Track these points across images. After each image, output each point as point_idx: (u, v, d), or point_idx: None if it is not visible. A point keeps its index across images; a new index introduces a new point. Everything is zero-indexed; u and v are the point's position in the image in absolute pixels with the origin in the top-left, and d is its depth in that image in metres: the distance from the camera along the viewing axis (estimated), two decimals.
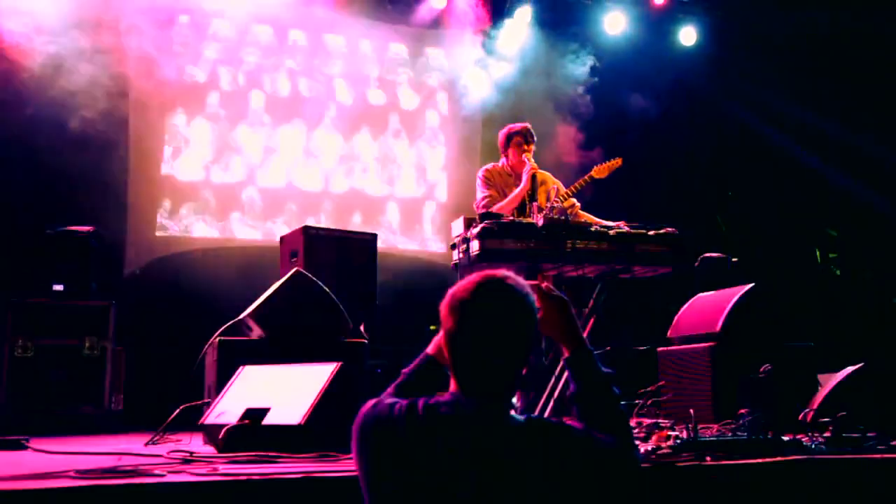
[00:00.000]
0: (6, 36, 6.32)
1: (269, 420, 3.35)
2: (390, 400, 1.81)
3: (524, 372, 1.79)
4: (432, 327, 7.34)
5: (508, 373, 1.76)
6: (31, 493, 2.25)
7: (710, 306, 4.98)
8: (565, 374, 4.31)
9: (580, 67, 8.35)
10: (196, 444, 3.74)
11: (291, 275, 4.36)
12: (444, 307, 1.78)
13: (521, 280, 1.80)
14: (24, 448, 3.63)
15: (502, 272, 1.80)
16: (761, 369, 3.95)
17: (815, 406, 3.84)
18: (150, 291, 6.83)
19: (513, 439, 1.68)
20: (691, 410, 3.30)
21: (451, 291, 1.78)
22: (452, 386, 1.77)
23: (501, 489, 1.63)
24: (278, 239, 5.82)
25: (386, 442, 1.72)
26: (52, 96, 6.39)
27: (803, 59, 8.43)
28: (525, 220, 4.29)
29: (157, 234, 7.24)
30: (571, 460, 1.68)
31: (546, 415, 4.14)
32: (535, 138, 5.17)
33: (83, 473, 2.47)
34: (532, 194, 4.91)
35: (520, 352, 1.76)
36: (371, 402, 1.85)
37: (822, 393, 3.96)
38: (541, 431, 1.73)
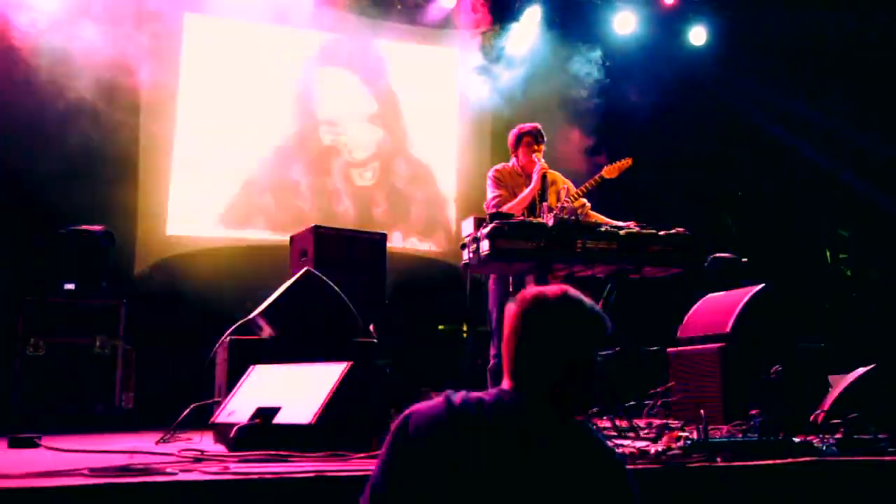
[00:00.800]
0: (19, 36, 6.35)
1: (279, 419, 3.36)
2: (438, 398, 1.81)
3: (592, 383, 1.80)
4: (441, 327, 7.35)
5: (562, 376, 1.76)
6: (45, 490, 2.26)
7: (721, 307, 4.98)
8: None
9: (589, 67, 8.34)
10: (206, 442, 3.75)
11: (302, 274, 4.37)
12: (512, 309, 1.82)
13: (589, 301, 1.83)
14: (37, 446, 3.65)
15: (568, 288, 1.84)
16: (772, 370, 3.95)
17: (826, 407, 3.83)
18: (160, 290, 6.85)
19: (555, 440, 1.68)
20: (702, 411, 3.29)
21: (520, 296, 1.81)
22: (506, 384, 1.79)
23: (534, 484, 1.63)
24: (288, 238, 5.83)
25: (438, 434, 1.71)
26: (64, 96, 6.43)
27: (813, 58, 8.39)
28: (535, 220, 4.28)
29: (167, 233, 7.27)
30: (597, 482, 1.67)
31: None
32: (545, 138, 5.17)
33: (96, 472, 2.49)
34: (542, 194, 4.91)
35: (576, 361, 1.78)
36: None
37: (834, 394, 3.94)
38: (584, 442, 1.73)
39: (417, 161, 8.27)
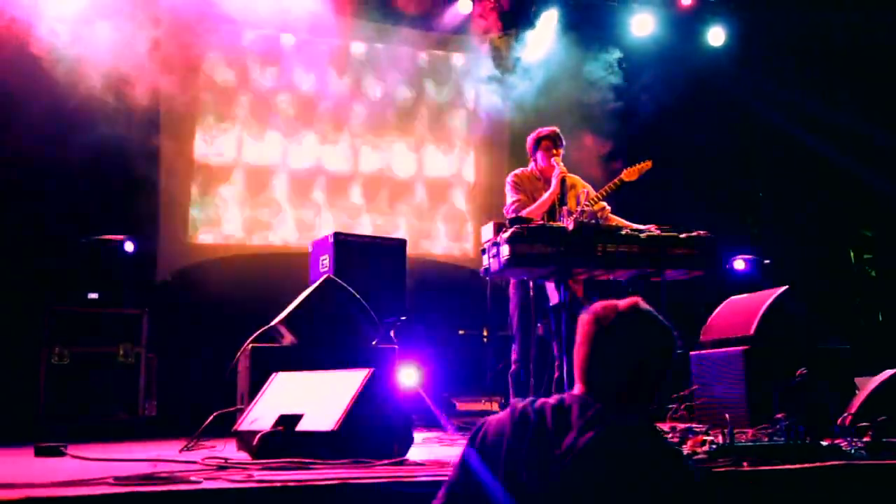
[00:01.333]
0: (40, 45, 6.42)
1: (302, 426, 3.36)
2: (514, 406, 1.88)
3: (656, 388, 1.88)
4: (461, 332, 7.34)
5: (633, 381, 1.85)
6: (72, 499, 2.27)
7: (744, 309, 4.93)
8: None
9: (607, 70, 8.30)
10: (229, 450, 3.76)
11: (322, 281, 4.38)
12: (584, 319, 1.90)
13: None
14: (63, 454, 3.67)
15: (639, 299, 1.92)
16: (797, 373, 3.90)
17: (853, 410, 3.77)
18: (182, 298, 6.90)
19: (628, 442, 1.74)
20: (727, 415, 3.26)
21: (592, 308, 1.90)
22: (577, 388, 1.87)
23: (607, 488, 1.68)
24: (308, 245, 5.86)
25: (518, 440, 1.78)
26: (85, 105, 6.49)
27: (832, 57, 8.31)
28: (555, 225, 4.27)
29: (189, 241, 7.32)
30: (669, 484, 1.72)
31: None
32: (564, 142, 5.14)
33: (121, 480, 2.50)
34: (562, 198, 4.89)
35: (646, 371, 1.86)
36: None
37: (861, 397, 3.88)
38: (656, 443, 1.81)
39: (435, 166, 8.26)
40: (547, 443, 1.72)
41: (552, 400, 1.81)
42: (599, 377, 1.84)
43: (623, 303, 1.88)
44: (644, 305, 1.89)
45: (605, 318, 1.86)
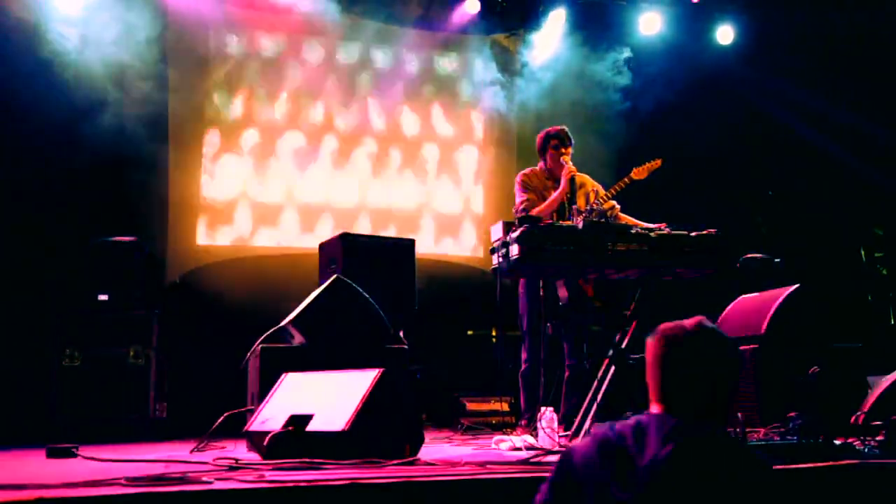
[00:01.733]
0: (52, 49, 6.45)
1: (312, 426, 3.37)
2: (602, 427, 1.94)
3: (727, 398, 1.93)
4: (470, 332, 7.33)
5: (710, 399, 1.90)
6: (85, 500, 2.28)
7: (755, 308, 4.91)
8: (607, 379, 4.28)
9: (615, 69, 8.29)
10: (240, 451, 3.77)
11: (332, 281, 4.38)
12: (652, 342, 1.95)
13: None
14: (75, 456, 3.69)
15: (703, 318, 1.98)
16: (809, 371, 3.88)
17: (866, 409, 3.75)
18: (192, 300, 6.92)
19: (710, 456, 1.79)
20: (739, 414, 3.24)
21: (660, 329, 1.96)
22: (655, 409, 1.91)
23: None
24: (317, 246, 5.85)
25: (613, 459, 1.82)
26: (95, 109, 6.52)
27: (843, 56, 8.27)
28: (565, 224, 4.25)
29: (198, 243, 7.34)
30: (758, 492, 1.78)
31: (589, 419, 4.10)
32: (573, 141, 5.13)
33: (133, 481, 2.51)
34: (571, 197, 4.88)
35: (720, 386, 1.91)
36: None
37: (874, 395, 3.86)
38: (740, 452, 1.85)
39: (443, 168, 8.26)
40: (630, 459, 1.78)
41: (630, 421, 1.86)
42: (677, 396, 1.89)
43: (689, 322, 1.94)
44: (708, 323, 1.95)
45: (675, 337, 1.91)
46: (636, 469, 1.75)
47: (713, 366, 1.90)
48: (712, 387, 1.89)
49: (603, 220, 4.40)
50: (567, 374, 4.92)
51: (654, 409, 1.92)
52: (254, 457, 3.48)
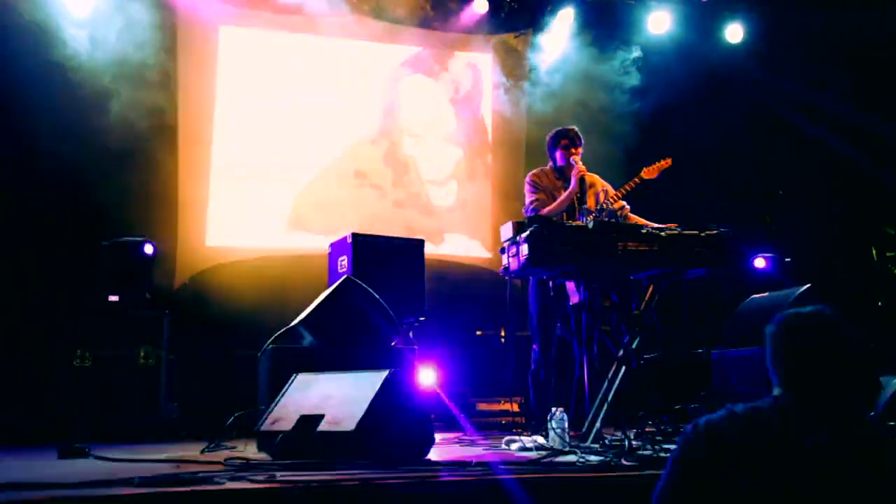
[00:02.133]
0: (61, 52, 6.48)
1: (323, 427, 3.37)
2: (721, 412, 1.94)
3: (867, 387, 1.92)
4: (479, 332, 7.30)
5: (842, 381, 1.89)
6: (97, 499, 2.29)
7: (766, 308, 4.89)
8: (618, 379, 4.26)
9: (624, 68, 8.27)
10: (250, 451, 3.78)
11: (341, 282, 4.38)
12: (772, 330, 1.96)
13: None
14: (87, 456, 3.70)
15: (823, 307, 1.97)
16: None
17: (879, 410, 3.73)
18: (202, 301, 6.93)
19: (878, 442, 1.80)
20: None
21: (778, 318, 1.96)
22: (785, 398, 1.90)
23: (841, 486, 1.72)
24: (327, 246, 5.86)
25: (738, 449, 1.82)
26: (104, 110, 6.55)
27: (853, 55, 8.22)
28: (575, 223, 4.24)
29: (207, 244, 7.36)
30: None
31: (598, 420, 4.09)
32: (583, 140, 5.12)
33: (145, 481, 2.51)
34: (581, 197, 4.87)
35: (852, 369, 1.89)
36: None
37: (887, 396, 3.83)
38: (878, 438, 1.84)
39: (450, 168, 8.26)
40: (787, 442, 1.77)
41: (762, 405, 1.86)
42: (809, 384, 1.87)
43: (807, 310, 1.94)
44: (825, 308, 1.94)
45: (799, 327, 1.91)
46: (797, 452, 1.74)
47: (841, 348, 1.89)
48: (844, 369, 1.87)
49: (613, 219, 4.38)
50: (577, 374, 4.90)
51: (784, 397, 1.90)
52: (264, 457, 3.48)
